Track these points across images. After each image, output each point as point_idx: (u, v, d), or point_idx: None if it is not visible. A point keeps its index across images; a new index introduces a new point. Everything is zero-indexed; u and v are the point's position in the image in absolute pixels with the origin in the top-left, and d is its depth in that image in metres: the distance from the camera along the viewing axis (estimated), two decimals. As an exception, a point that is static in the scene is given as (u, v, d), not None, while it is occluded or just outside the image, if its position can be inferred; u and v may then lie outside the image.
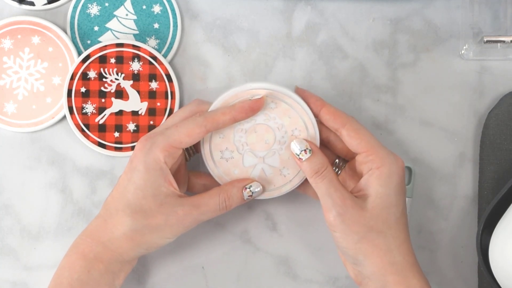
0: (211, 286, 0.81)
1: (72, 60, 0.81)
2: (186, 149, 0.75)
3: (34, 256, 0.81)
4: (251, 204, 0.81)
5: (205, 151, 0.74)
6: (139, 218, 0.70)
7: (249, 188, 0.73)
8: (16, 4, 0.82)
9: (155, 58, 0.81)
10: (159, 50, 0.81)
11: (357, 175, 0.73)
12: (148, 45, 0.81)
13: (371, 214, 0.69)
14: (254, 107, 0.72)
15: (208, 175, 0.75)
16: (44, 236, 0.81)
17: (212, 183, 0.75)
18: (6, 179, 0.81)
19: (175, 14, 0.81)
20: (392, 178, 0.70)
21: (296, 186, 0.75)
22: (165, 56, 0.81)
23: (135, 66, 0.81)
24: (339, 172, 0.75)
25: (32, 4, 0.82)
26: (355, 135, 0.71)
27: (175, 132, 0.71)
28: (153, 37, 0.82)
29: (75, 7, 0.81)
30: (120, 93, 0.81)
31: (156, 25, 0.82)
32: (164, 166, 0.70)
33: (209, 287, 0.81)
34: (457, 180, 0.81)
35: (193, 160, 0.77)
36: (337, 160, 0.76)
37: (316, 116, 0.73)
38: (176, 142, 0.70)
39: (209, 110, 0.73)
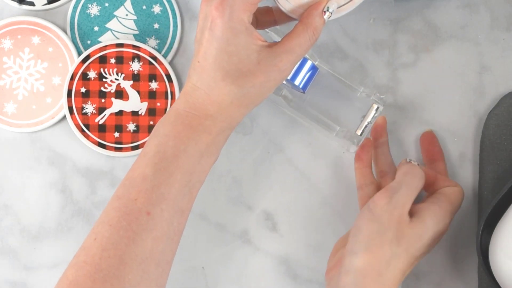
0: (211, 286, 0.81)
1: (72, 60, 0.81)
2: None
3: (34, 256, 0.81)
4: (251, 204, 0.81)
5: None
6: (242, 82, 0.68)
7: (327, 10, 0.70)
8: (16, 4, 0.82)
9: (155, 58, 0.81)
10: (159, 50, 0.81)
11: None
12: (148, 45, 0.81)
13: (409, 230, 0.71)
14: None
15: (275, 9, 0.73)
16: (44, 236, 0.81)
17: (282, 17, 0.73)
18: (6, 179, 0.82)
19: (175, 14, 0.81)
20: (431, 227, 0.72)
21: None
22: (165, 56, 0.81)
23: (135, 66, 0.81)
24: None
25: (32, 4, 0.82)
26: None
27: None
28: (153, 37, 0.82)
29: (75, 7, 0.81)
30: (120, 93, 0.81)
31: (156, 25, 0.82)
32: (249, 25, 0.68)
33: (209, 287, 0.81)
34: (457, 180, 0.80)
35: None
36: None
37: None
38: None
39: None
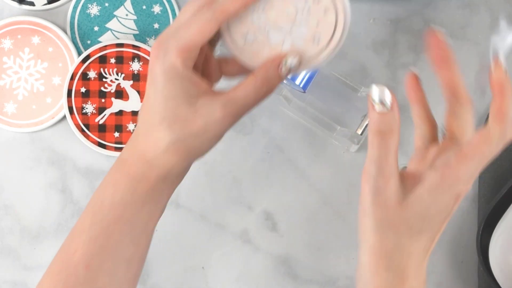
0: (211, 286, 0.81)
1: (72, 60, 0.81)
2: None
3: (34, 256, 0.81)
4: (251, 204, 0.81)
5: (226, 40, 0.66)
6: (178, 128, 0.64)
7: (284, 64, 0.65)
8: (16, 4, 0.82)
9: (155, 58, 0.81)
10: (159, 50, 0.81)
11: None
12: (148, 45, 0.81)
13: (404, 212, 0.61)
14: None
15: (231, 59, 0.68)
16: (44, 236, 0.81)
17: (244, 68, 0.68)
18: (6, 179, 0.82)
19: (175, 14, 0.81)
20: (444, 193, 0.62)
21: (334, 52, 0.66)
22: (165, 56, 0.81)
23: (135, 66, 0.81)
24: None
25: (32, 4, 0.82)
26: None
27: (186, 32, 0.64)
28: (153, 37, 0.82)
29: (75, 7, 0.81)
30: (120, 93, 0.81)
31: (156, 25, 0.82)
32: (185, 71, 0.64)
33: (209, 287, 0.81)
34: (457, 180, 0.80)
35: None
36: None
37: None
38: (189, 43, 0.63)
39: None
